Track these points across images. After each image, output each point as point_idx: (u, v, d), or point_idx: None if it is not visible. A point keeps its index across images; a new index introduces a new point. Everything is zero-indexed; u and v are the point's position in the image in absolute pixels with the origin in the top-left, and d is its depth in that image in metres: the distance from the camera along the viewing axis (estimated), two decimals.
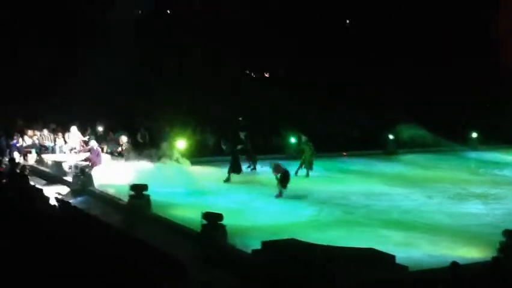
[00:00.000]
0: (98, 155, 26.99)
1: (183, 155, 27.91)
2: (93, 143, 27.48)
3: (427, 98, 40.85)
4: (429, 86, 42.10)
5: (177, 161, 27.22)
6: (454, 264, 13.33)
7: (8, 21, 37.19)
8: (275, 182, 24.69)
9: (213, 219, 17.94)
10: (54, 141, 30.70)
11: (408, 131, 37.05)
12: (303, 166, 28.94)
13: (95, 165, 26.34)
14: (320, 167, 30.15)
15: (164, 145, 28.95)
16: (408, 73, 43.14)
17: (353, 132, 39.07)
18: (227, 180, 26.76)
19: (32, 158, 29.54)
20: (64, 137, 30.88)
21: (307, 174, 28.93)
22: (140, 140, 32.47)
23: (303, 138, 29.94)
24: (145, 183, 21.95)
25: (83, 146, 30.14)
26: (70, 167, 25.52)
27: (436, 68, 42.91)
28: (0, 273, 12.10)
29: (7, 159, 26.81)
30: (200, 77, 40.56)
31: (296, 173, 28.60)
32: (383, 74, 42.42)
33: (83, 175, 24.64)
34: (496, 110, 40.16)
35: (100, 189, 24.30)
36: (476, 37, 42.89)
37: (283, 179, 24.64)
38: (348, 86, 41.58)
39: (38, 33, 37.15)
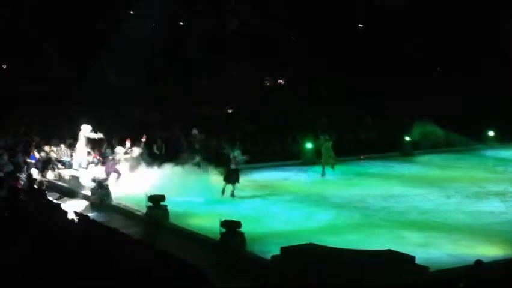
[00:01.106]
0: (112, 166, 27.04)
1: (204, 160, 28.08)
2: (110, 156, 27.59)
3: (443, 97, 40.60)
4: (444, 86, 41.89)
5: (198, 165, 27.27)
6: (478, 263, 13.24)
7: (21, 36, 37.45)
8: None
9: (231, 226, 17.98)
10: (71, 156, 30.79)
11: (425, 130, 36.92)
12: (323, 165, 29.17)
13: (111, 176, 26.48)
14: (337, 171, 30.10)
15: (183, 155, 29.12)
16: (423, 73, 43.02)
17: (370, 135, 39.02)
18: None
19: (49, 174, 29.65)
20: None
21: (323, 174, 29.04)
22: (157, 152, 32.53)
23: (321, 137, 29.88)
24: (162, 193, 22.05)
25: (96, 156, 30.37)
26: (93, 180, 25.46)
27: (451, 68, 42.76)
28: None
29: (24, 176, 26.94)
30: (214, 85, 40.75)
31: (322, 175, 29.07)
32: (398, 75, 42.25)
33: (100, 188, 24.75)
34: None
35: (118, 201, 24.39)
36: (494, 35, 42.67)
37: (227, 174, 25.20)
38: (362, 87, 41.37)
39: (52, 46, 37.39)
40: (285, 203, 24.57)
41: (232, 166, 25.51)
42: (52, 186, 27.37)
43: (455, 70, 42.52)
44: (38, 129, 32.99)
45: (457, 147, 37.93)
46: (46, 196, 22.55)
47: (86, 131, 29.40)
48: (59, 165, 30.23)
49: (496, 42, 42.43)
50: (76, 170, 29.16)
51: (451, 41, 42.88)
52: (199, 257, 16.25)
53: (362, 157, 35.27)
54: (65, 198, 25.49)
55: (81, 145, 29.55)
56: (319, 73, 42.56)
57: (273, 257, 16.20)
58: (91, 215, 21.65)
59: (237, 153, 25.79)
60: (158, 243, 17.26)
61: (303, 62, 42.59)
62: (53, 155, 30.65)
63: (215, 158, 29.27)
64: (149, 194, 21.92)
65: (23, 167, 28.81)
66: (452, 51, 42.99)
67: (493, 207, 23.43)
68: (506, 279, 13.46)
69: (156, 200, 21.77)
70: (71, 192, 26.46)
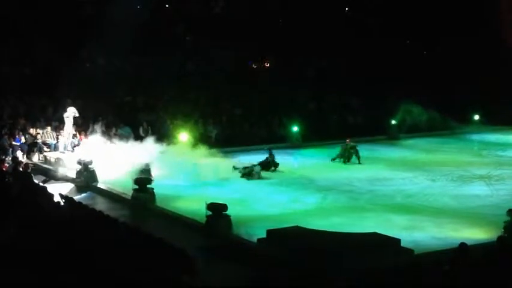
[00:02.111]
0: None
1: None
2: None
3: (430, 81, 40.63)
4: (430, 69, 41.88)
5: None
6: (462, 246, 13.31)
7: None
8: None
9: (217, 209, 18.00)
10: (57, 138, 30.67)
11: (407, 112, 37.06)
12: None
13: None
14: (323, 155, 30.20)
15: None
16: (410, 55, 43.03)
17: (356, 119, 39.09)
18: None
19: (35, 156, 29.53)
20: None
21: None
22: (143, 134, 32.45)
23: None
24: (148, 176, 22.02)
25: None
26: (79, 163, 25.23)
27: (436, 50, 42.75)
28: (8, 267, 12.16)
29: (10, 158, 26.80)
30: (200, 68, 40.64)
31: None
32: (386, 57, 42.19)
33: (86, 171, 24.67)
34: (499, 91, 39.86)
35: (104, 184, 24.34)
36: (481, 17, 42.62)
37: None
38: (347, 71, 41.34)
39: (36, 28, 37.11)
40: (271, 186, 24.62)
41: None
42: (38, 169, 27.27)
43: (444, 53, 42.47)
44: (23, 111, 32.79)
45: (442, 130, 38.09)
46: (32, 179, 22.42)
47: (71, 113, 29.21)
48: (45, 148, 30.11)
49: (485, 23, 42.40)
50: (62, 152, 29.05)
51: (438, 20, 42.82)
52: (185, 240, 16.27)
53: (347, 141, 35.28)
54: (51, 181, 25.41)
55: (68, 127, 29.39)
56: (307, 56, 42.46)
57: (259, 240, 16.24)
58: (76, 197, 21.61)
59: (256, 169, 26.09)
60: (144, 226, 17.24)
61: (290, 45, 42.47)
62: (38, 137, 30.53)
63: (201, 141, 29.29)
64: (135, 177, 21.90)
65: (8, 150, 28.68)
66: (440, 31, 42.94)
67: (477, 190, 23.63)
68: (490, 261, 13.54)
69: (142, 183, 21.74)
70: (56, 174, 26.35)
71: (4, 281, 11.76)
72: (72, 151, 28.92)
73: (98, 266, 12.52)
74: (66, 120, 29.30)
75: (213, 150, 28.11)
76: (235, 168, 26.53)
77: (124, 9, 37.21)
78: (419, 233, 17.79)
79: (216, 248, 16.71)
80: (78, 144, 29.75)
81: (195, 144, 28.44)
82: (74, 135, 30.22)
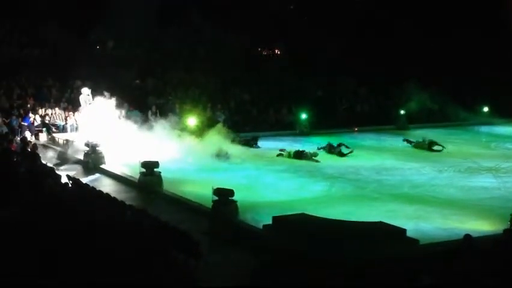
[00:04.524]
0: None
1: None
2: None
3: (439, 72, 40.50)
4: (440, 60, 41.72)
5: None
6: (467, 237, 13.28)
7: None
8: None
9: (224, 195, 18.00)
10: (66, 120, 30.74)
11: (419, 102, 37.09)
12: None
13: None
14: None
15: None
16: (422, 45, 42.89)
17: (364, 108, 39.05)
18: None
19: (43, 137, 29.60)
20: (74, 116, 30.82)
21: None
22: (151, 118, 32.47)
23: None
24: (155, 160, 22.03)
25: None
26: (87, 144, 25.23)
27: (448, 41, 42.58)
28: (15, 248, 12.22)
29: (19, 138, 26.88)
30: (211, 54, 40.63)
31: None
32: (397, 46, 42.03)
33: (94, 153, 24.70)
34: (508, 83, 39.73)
35: (111, 166, 24.38)
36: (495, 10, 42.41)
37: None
38: (357, 59, 41.23)
39: (46, 9, 37.12)
40: (278, 173, 24.60)
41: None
42: (46, 150, 27.36)
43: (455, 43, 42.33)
44: (32, 92, 32.86)
45: (450, 121, 38.08)
46: (40, 159, 22.49)
47: (85, 94, 29.13)
48: (53, 129, 30.18)
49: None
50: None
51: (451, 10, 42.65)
52: (191, 224, 16.30)
53: (355, 129, 35.31)
54: (59, 162, 25.48)
55: (84, 109, 29.23)
56: (316, 44, 42.33)
57: (264, 226, 16.23)
58: (83, 179, 21.66)
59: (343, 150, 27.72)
60: (151, 209, 17.26)
61: (300, 32, 42.37)
62: (47, 118, 30.60)
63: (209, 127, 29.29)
64: (142, 160, 21.91)
65: (17, 130, 28.78)
66: (452, 21, 42.75)
67: (485, 182, 23.52)
68: (496, 254, 13.52)
69: (149, 166, 21.76)
70: (64, 156, 26.40)
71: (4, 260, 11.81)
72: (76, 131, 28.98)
73: (104, 247, 12.56)
74: (82, 102, 29.13)
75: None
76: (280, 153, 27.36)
77: None
78: (425, 224, 17.73)
79: (221, 233, 16.74)
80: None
81: (205, 129, 28.45)
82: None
